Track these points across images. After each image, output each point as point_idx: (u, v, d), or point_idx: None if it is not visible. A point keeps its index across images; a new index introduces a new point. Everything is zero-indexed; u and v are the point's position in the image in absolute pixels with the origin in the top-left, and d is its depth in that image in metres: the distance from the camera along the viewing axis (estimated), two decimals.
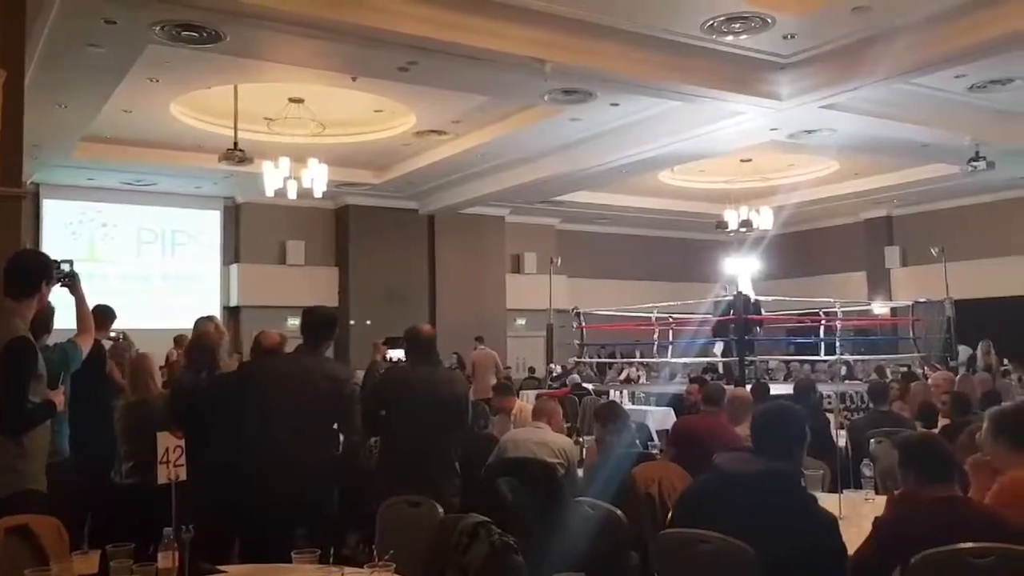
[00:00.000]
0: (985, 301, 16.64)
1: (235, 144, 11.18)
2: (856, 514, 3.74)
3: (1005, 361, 14.55)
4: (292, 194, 12.02)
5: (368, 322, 16.20)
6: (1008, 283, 16.98)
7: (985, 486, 3.33)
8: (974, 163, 12.08)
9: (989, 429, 3.46)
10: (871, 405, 7.26)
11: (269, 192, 11.98)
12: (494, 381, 12.35)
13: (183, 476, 2.89)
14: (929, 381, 7.69)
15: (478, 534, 3.03)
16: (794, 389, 8.48)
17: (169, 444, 2.89)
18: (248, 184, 14.09)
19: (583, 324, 13.79)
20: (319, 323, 4.47)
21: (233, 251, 17.01)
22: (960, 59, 9.07)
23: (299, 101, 11.41)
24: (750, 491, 2.86)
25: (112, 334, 5.66)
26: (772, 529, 2.73)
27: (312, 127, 12.01)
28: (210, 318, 5.23)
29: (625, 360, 16.13)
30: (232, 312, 16.67)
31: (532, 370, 16.46)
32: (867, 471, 4.25)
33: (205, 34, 8.09)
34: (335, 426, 4.51)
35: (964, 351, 14.71)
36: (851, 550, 3.05)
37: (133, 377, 5.05)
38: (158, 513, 2.83)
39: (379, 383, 5.17)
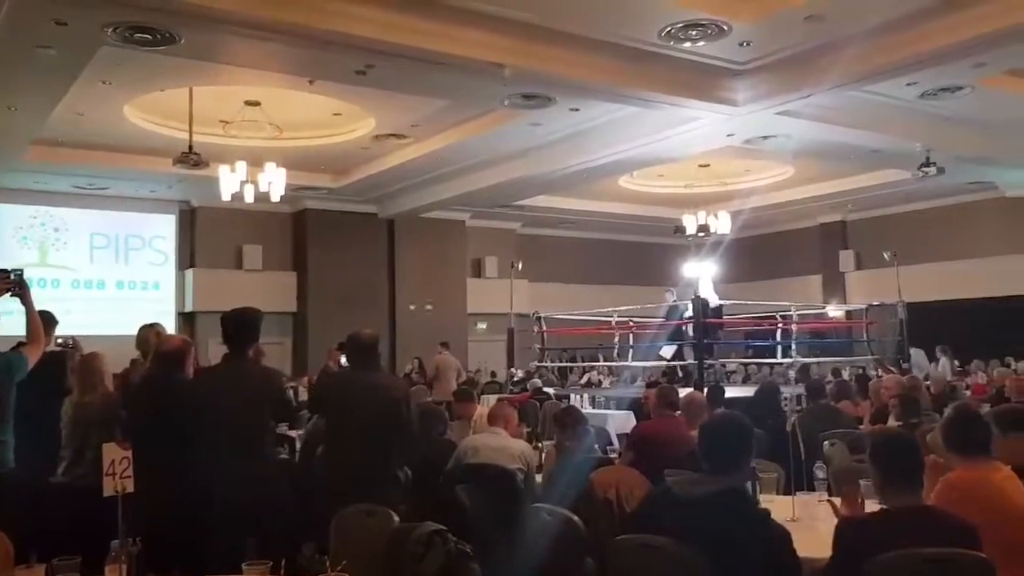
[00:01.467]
0: (937, 304, 16.99)
1: (190, 147, 11.04)
2: (809, 516, 3.78)
3: (957, 363, 14.87)
4: (249, 198, 11.89)
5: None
6: (959, 286, 17.35)
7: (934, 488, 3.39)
8: (925, 169, 12.31)
9: (939, 432, 3.53)
10: (809, 402, 7.69)
11: (225, 196, 11.83)
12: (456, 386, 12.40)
13: (130, 488, 2.83)
14: (882, 383, 7.84)
15: (433, 543, 3.01)
16: (758, 392, 8.60)
17: (115, 455, 2.83)
18: (204, 188, 13.91)
19: (544, 328, 13.80)
20: (239, 326, 4.39)
21: (188, 256, 16.78)
22: (910, 67, 9.24)
23: (255, 104, 11.28)
24: (702, 514, 2.86)
25: (59, 340, 5.52)
26: (727, 550, 2.74)
27: (269, 130, 11.88)
28: (151, 326, 5.06)
29: (586, 364, 16.18)
30: (187, 318, 16.46)
31: (494, 374, 16.45)
32: (820, 473, 4.29)
33: (159, 36, 7.97)
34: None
35: (917, 353, 14.98)
36: (806, 552, 3.09)
37: (82, 376, 4.89)
38: (95, 515, 2.76)
39: (316, 389, 5.14)
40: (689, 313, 12.13)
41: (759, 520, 2.95)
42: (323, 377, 5.52)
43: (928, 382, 9.79)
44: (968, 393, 11.27)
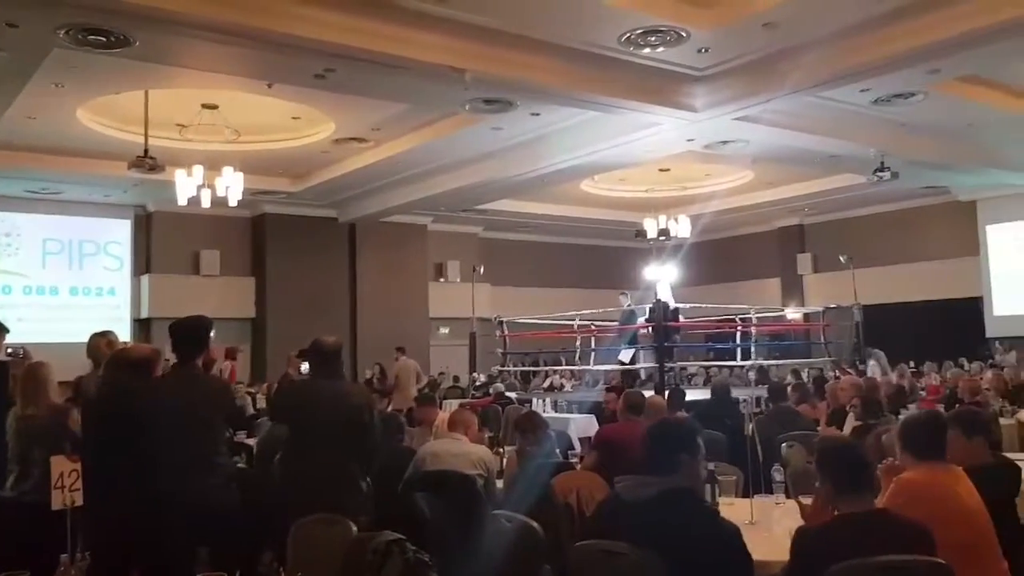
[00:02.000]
0: (891, 306, 17.30)
1: (146, 151, 10.85)
2: (767, 518, 3.81)
3: (911, 364, 15.10)
4: (206, 202, 11.75)
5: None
6: (913, 289, 17.69)
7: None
8: (879, 173, 12.49)
9: (897, 434, 3.58)
10: (771, 404, 7.75)
11: (182, 200, 11.66)
12: (416, 392, 12.35)
13: (79, 501, 2.76)
14: (838, 385, 7.95)
15: (391, 552, 2.96)
16: (712, 394, 8.68)
17: (64, 468, 2.76)
18: (160, 192, 13.71)
19: (506, 332, 13.79)
20: (185, 336, 4.31)
21: (144, 261, 16.54)
22: (865, 73, 9.38)
23: (213, 107, 11.15)
24: (650, 516, 2.88)
25: (10, 350, 5.38)
26: (678, 550, 2.75)
27: (227, 134, 11.74)
28: (103, 333, 4.92)
29: (549, 368, 16.20)
30: (143, 325, 16.21)
31: (456, 379, 16.39)
32: (778, 476, 4.33)
33: (113, 38, 7.84)
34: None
35: (878, 355, 15.21)
36: (763, 555, 3.11)
37: (24, 387, 4.72)
38: (45, 529, 2.70)
39: (277, 397, 5.07)
40: (643, 317, 12.21)
41: (707, 518, 2.97)
42: (284, 385, 5.44)
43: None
44: (923, 394, 11.47)
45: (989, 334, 17.04)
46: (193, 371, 4.23)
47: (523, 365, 16.03)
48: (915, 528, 2.93)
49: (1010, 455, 5.17)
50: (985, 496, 3.41)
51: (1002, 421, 7.86)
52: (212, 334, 4.58)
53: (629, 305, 13.38)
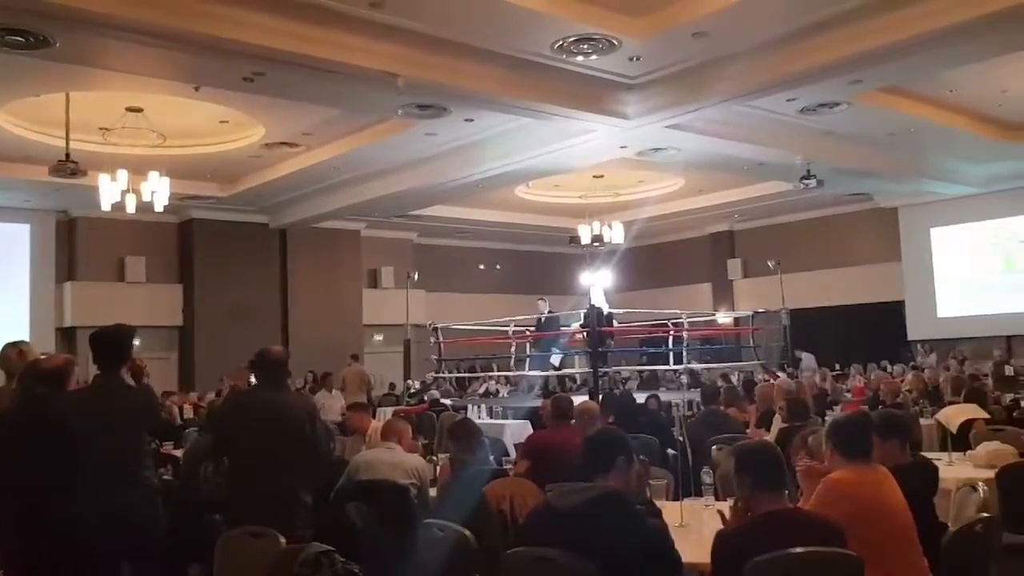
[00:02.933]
0: (818, 310, 17.73)
1: (67, 155, 10.55)
2: (697, 521, 3.86)
3: (837, 366, 15.51)
4: (131, 208, 11.42)
5: None
6: (838, 293, 18.16)
7: (812, 491, 3.50)
8: (805, 181, 12.82)
9: (825, 435, 3.67)
10: (702, 407, 7.72)
11: (105, 206, 11.34)
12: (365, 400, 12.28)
13: None
14: (773, 387, 8.07)
15: (320, 564, 2.93)
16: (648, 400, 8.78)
17: None
18: (83, 197, 13.28)
19: (441, 339, 13.73)
20: (107, 346, 4.19)
21: (67, 268, 16.03)
22: (791, 84, 9.61)
23: (138, 110, 10.89)
24: (580, 522, 2.89)
25: None
26: (609, 553, 2.77)
27: (152, 138, 11.46)
28: (15, 343, 4.71)
29: (484, 374, 16.19)
30: (67, 333, 15.71)
31: (392, 386, 16.27)
32: (707, 478, 4.38)
33: (32, 39, 7.62)
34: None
35: (808, 358, 15.59)
36: (694, 557, 3.15)
37: None
38: None
39: (219, 410, 4.95)
40: (577, 323, 12.34)
41: (636, 521, 2.99)
42: (226, 398, 5.31)
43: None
44: (848, 396, 11.78)
45: (911, 337, 17.58)
46: (115, 382, 4.09)
47: (459, 371, 15.99)
48: (828, 525, 3.02)
49: (929, 455, 5.35)
50: (905, 494, 3.51)
51: (922, 422, 8.08)
52: (137, 343, 4.46)
53: (550, 311, 13.46)
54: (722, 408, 7.85)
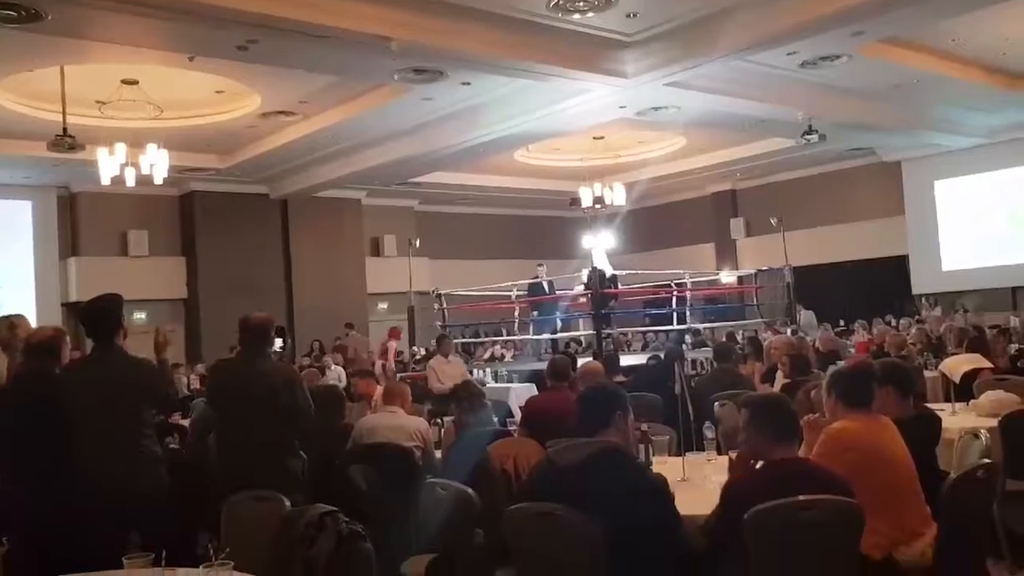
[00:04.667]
0: (821, 267, 17.70)
1: (64, 130, 10.48)
2: (698, 475, 3.88)
3: (842, 322, 15.51)
4: (131, 181, 11.39)
5: None
6: (841, 249, 18.11)
7: (815, 442, 3.51)
8: (807, 136, 12.70)
9: (827, 386, 3.67)
10: (717, 365, 7.69)
11: (105, 180, 11.32)
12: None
13: None
14: (766, 344, 8.09)
15: (324, 525, 2.95)
16: (665, 357, 8.70)
17: None
18: (82, 172, 13.25)
19: (445, 305, 13.77)
20: (97, 317, 4.17)
21: (70, 243, 16.05)
22: (791, 37, 9.48)
23: (133, 83, 10.81)
24: (582, 477, 2.91)
25: None
26: (609, 507, 2.79)
27: (149, 110, 11.40)
28: (6, 318, 4.71)
29: (490, 339, 16.23)
30: (73, 308, 15.74)
31: (400, 353, 16.32)
32: (709, 433, 4.40)
33: (23, 12, 7.53)
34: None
35: (807, 314, 15.59)
36: (695, 510, 3.17)
37: None
38: None
39: (207, 377, 4.98)
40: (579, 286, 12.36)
41: (635, 474, 3.02)
42: (212, 366, 5.35)
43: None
44: (852, 351, 11.77)
45: (915, 291, 17.55)
46: (110, 352, 4.10)
47: (463, 337, 16.02)
48: (833, 476, 3.04)
49: (933, 406, 5.36)
50: (908, 444, 3.52)
51: (927, 374, 8.09)
52: (143, 315, 4.47)
53: (534, 278, 13.45)
54: (732, 367, 7.78)
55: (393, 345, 14.16)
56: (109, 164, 11.12)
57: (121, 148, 11.06)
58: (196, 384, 11.15)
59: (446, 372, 10.11)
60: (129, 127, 11.64)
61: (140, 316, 15.35)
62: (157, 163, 11.29)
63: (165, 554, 2.80)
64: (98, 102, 11.21)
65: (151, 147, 11.25)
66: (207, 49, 9.18)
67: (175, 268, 16.68)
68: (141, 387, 4.06)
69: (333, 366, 12.33)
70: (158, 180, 11.53)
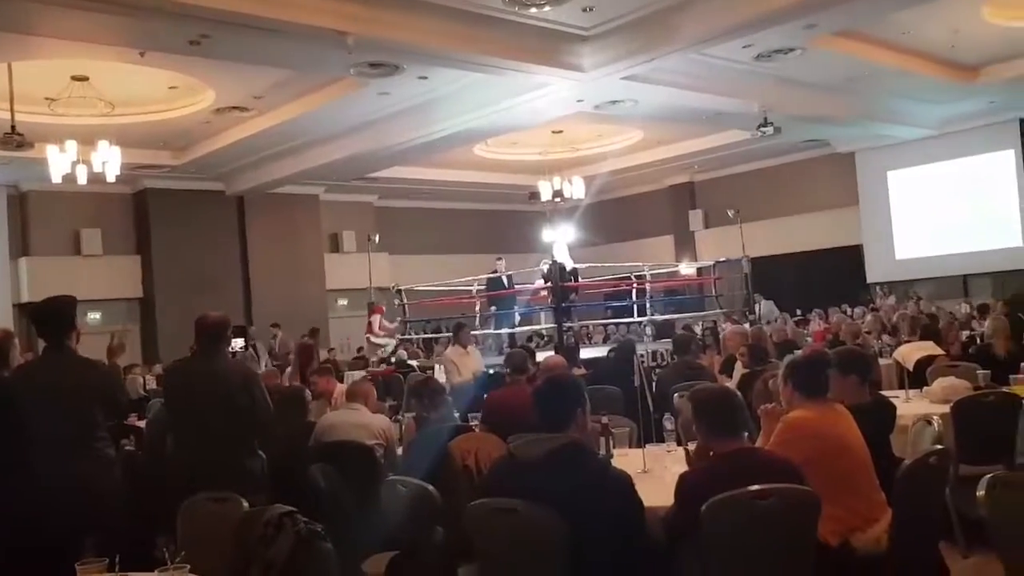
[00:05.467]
0: (779, 257, 17.93)
1: (13, 128, 10.23)
2: (659, 466, 3.90)
3: (798, 312, 15.72)
4: (82, 179, 11.17)
5: None
6: (798, 239, 18.36)
7: (772, 432, 3.55)
8: (763, 129, 12.85)
9: (783, 375, 3.71)
10: (675, 357, 7.70)
11: (56, 178, 11.08)
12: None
13: None
14: (723, 334, 8.15)
15: (283, 525, 2.90)
16: (618, 351, 8.74)
17: None
18: (32, 170, 12.94)
19: (405, 301, 13.72)
20: (48, 319, 4.10)
21: (20, 243, 15.71)
22: (746, 29, 9.59)
23: (83, 79, 10.60)
24: (544, 473, 2.90)
25: None
26: (573, 504, 2.79)
27: (100, 107, 11.18)
28: None
29: (450, 335, 16.15)
30: (25, 309, 15.42)
31: (360, 350, 16.20)
32: (668, 424, 4.43)
33: None
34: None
35: (767, 305, 15.77)
36: (656, 501, 3.18)
37: None
38: None
39: (164, 378, 4.91)
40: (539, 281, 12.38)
41: (599, 470, 3.02)
42: (168, 367, 5.27)
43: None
44: (809, 340, 11.94)
45: (869, 280, 17.85)
46: (64, 354, 4.02)
47: (424, 333, 15.96)
48: (784, 464, 3.08)
49: (887, 393, 5.45)
50: (864, 433, 3.57)
51: (881, 361, 8.22)
52: (97, 316, 4.39)
53: (493, 272, 13.48)
54: (693, 359, 7.76)
55: (377, 319, 14.33)
56: (60, 162, 10.90)
57: (72, 145, 10.84)
58: (153, 384, 10.99)
59: (467, 365, 9.20)
60: (80, 124, 11.41)
61: (95, 316, 15.08)
62: (109, 160, 11.08)
63: (120, 558, 2.76)
64: (47, 99, 10.99)
65: (103, 144, 11.03)
66: (158, 44, 9.04)
67: (130, 267, 16.42)
68: (93, 389, 3.98)
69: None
70: (110, 178, 11.32)
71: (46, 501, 3.65)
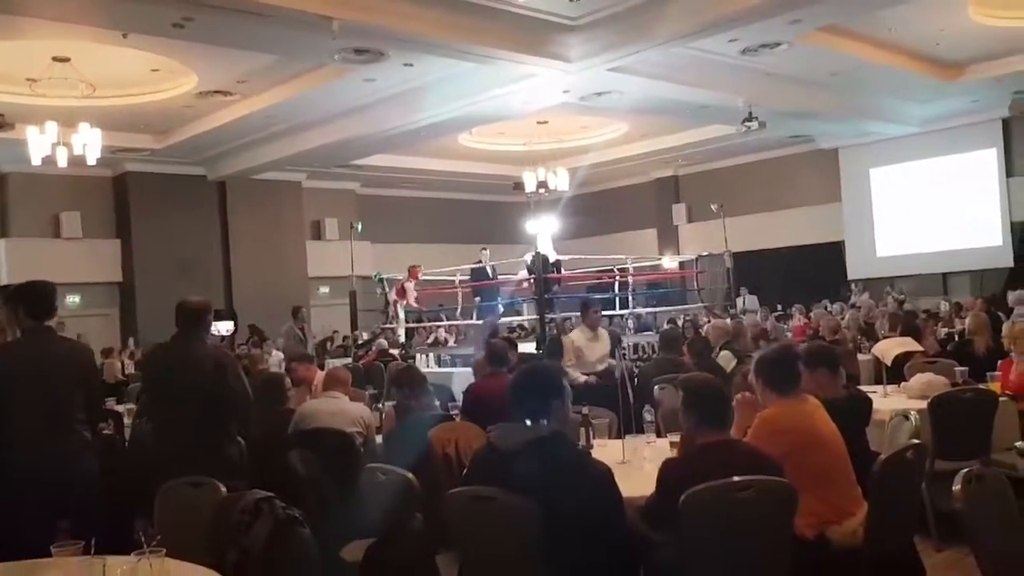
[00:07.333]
0: (761, 252, 18.00)
1: None
2: (638, 457, 3.92)
3: (779, 307, 15.81)
4: (62, 162, 11.04)
5: None
6: (780, 235, 18.44)
7: (746, 422, 3.57)
8: (748, 123, 12.86)
9: (753, 371, 3.72)
10: (661, 353, 7.68)
11: (36, 160, 10.94)
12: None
13: None
14: (703, 330, 8.18)
15: (261, 511, 2.90)
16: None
17: None
18: (11, 152, 12.82)
19: (387, 290, 13.66)
20: (32, 300, 4.05)
21: (0, 225, 15.55)
22: (732, 23, 9.57)
23: (65, 60, 10.47)
24: (524, 462, 2.89)
25: None
26: (552, 493, 2.79)
27: (81, 88, 11.05)
28: None
29: (432, 324, 16.16)
30: (3, 291, 15.26)
31: (346, 339, 16.14)
32: (648, 416, 4.44)
33: None
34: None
35: (752, 300, 15.84)
36: (634, 492, 3.19)
37: None
38: None
39: (142, 362, 4.89)
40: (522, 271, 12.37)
41: (579, 460, 3.02)
42: (148, 350, 5.24)
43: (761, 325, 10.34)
44: (790, 335, 12.01)
45: (850, 276, 17.95)
46: (46, 333, 3.98)
47: (406, 322, 15.90)
48: (764, 457, 3.11)
49: (865, 388, 5.49)
50: (839, 426, 3.59)
51: (860, 357, 8.28)
52: (76, 299, 4.36)
53: (477, 263, 13.42)
54: (677, 357, 7.67)
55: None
56: (40, 143, 10.77)
57: (52, 127, 10.72)
58: (132, 369, 10.93)
59: (595, 350, 7.72)
60: (61, 105, 11.29)
61: (74, 300, 14.97)
62: (90, 143, 10.95)
63: (96, 541, 2.73)
64: (28, 79, 10.87)
65: (84, 126, 10.90)
66: (141, 26, 8.94)
67: (110, 251, 16.28)
68: (75, 369, 3.95)
69: (274, 352, 12.17)
70: (91, 160, 11.19)
71: (23, 481, 3.63)
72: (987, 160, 16.38)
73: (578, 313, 15.10)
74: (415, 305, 13.38)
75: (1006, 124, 16.06)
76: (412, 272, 13.60)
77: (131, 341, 14.53)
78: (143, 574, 2.38)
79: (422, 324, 16.16)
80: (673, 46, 10.19)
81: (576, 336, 7.88)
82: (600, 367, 7.45)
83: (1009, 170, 16.20)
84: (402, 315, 13.51)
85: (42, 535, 2.92)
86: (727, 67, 11.57)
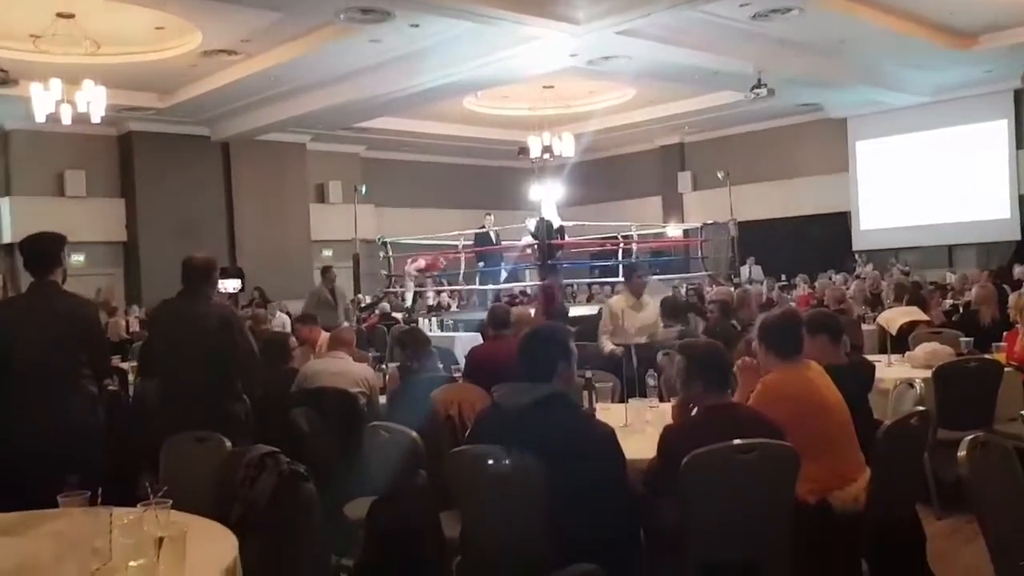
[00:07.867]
0: (766, 222, 17.93)
1: None
2: (640, 421, 3.92)
3: (784, 276, 15.78)
4: (66, 119, 11.02)
5: None
6: (786, 204, 18.35)
7: (748, 387, 3.57)
8: (756, 90, 12.76)
9: (757, 336, 3.71)
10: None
11: (40, 117, 10.93)
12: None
13: None
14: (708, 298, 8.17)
15: (265, 465, 2.91)
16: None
17: None
18: (15, 109, 12.75)
19: (391, 254, 13.66)
20: (39, 253, 4.01)
21: (4, 183, 15.52)
22: None
23: (69, 16, 10.39)
24: (528, 422, 2.89)
25: None
26: (555, 453, 2.78)
27: (85, 45, 10.95)
28: None
29: (435, 288, 16.17)
30: (7, 250, 15.27)
31: (354, 301, 16.15)
32: (651, 380, 4.44)
33: None
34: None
35: (757, 270, 15.80)
36: (636, 454, 3.20)
37: None
38: None
39: (148, 319, 4.88)
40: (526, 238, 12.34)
41: (583, 421, 3.02)
42: (154, 308, 5.23)
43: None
44: (793, 305, 11.99)
45: (855, 247, 17.89)
46: (53, 288, 3.96)
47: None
48: (766, 420, 3.10)
49: (870, 357, 5.48)
50: (842, 393, 3.58)
51: (864, 327, 8.26)
52: (81, 258, 4.34)
53: (480, 228, 13.40)
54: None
55: (422, 263, 14.10)
56: (44, 101, 10.74)
57: (56, 84, 10.67)
58: (136, 327, 10.95)
59: (635, 320, 6.79)
60: (65, 63, 11.19)
61: (78, 259, 14.95)
62: (94, 101, 10.90)
63: (103, 492, 2.74)
64: (32, 36, 10.78)
65: (88, 84, 10.85)
66: None
67: (114, 210, 16.27)
68: (77, 324, 3.94)
69: (279, 312, 12.19)
70: (95, 119, 11.16)
71: (30, 433, 3.63)
72: (997, 131, 16.24)
73: (579, 280, 15.28)
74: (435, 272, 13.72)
75: (1018, 95, 15.88)
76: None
77: (135, 308, 14.55)
78: (149, 524, 2.38)
79: (424, 288, 16.19)
80: (683, 9, 10.08)
81: (616, 302, 7.08)
82: (639, 339, 6.47)
83: (1019, 142, 16.07)
84: (411, 283, 13.55)
85: (50, 488, 2.93)
86: (737, 32, 11.45)
